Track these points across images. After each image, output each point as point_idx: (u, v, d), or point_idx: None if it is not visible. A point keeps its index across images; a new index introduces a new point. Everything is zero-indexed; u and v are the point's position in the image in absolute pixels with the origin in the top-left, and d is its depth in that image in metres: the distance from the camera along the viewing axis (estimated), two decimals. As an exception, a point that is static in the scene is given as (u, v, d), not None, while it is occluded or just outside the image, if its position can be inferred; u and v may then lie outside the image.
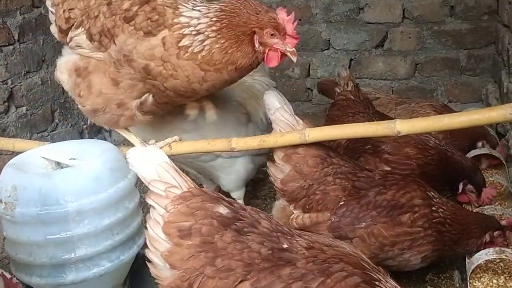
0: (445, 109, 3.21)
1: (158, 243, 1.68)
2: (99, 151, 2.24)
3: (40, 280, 2.11)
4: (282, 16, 2.07)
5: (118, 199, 2.14)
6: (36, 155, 2.31)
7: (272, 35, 2.08)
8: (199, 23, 2.09)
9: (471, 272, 2.34)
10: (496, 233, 2.38)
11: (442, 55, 4.04)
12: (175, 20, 2.11)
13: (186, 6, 2.14)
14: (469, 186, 2.76)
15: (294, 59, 2.14)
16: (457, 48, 4.00)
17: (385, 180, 2.35)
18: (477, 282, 2.34)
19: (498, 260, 2.42)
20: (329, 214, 2.27)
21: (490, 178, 2.83)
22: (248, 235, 1.64)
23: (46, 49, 3.96)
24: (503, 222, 2.43)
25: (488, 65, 3.98)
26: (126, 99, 2.27)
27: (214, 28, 2.08)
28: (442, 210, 2.31)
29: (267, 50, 2.11)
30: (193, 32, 2.08)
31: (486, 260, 2.35)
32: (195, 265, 1.62)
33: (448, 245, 2.34)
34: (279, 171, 2.38)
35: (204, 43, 2.08)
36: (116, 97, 2.27)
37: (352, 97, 3.08)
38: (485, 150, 3.08)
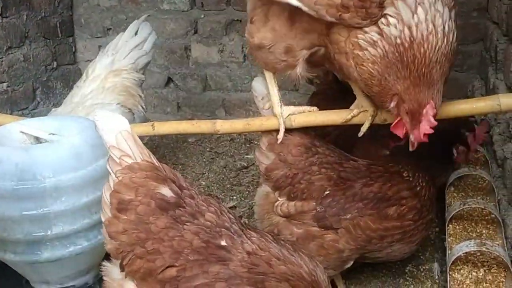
0: None
1: (106, 208, 1.68)
2: (80, 128, 2.19)
3: (14, 256, 2.07)
4: (429, 108, 1.89)
5: (98, 177, 2.09)
6: (14, 130, 2.25)
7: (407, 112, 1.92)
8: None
9: (451, 264, 2.34)
10: (460, 148, 2.56)
11: (431, 50, 4.03)
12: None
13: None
14: (460, 148, 2.78)
15: (413, 145, 1.96)
16: (445, 43, 3.99)
17: (370, 172, 2.33)
18: (456, 274, 2.34)
19: (478, 253, 2.42)
20: (314, 204, 2.25)
21: (473, 172, 2.83)
22: (185, 224, 1.61)
23: (29, 25, 3.87)
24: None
25: (476, 61, 3.98)
26: (296, 45, 2.06)
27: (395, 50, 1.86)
28: (424, 190, 2.33)
29: (397, 116, 1.96)
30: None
31: (466, 253, 2.35)
32: (127, 242, 1.62)
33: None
34: (264, 157, 2.37)
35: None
36: (287, 39, 2.07)
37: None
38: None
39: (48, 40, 4.07)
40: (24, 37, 3.83)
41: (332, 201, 2.24)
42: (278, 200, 2.33)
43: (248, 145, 4.06)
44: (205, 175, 3.70)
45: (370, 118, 2.19)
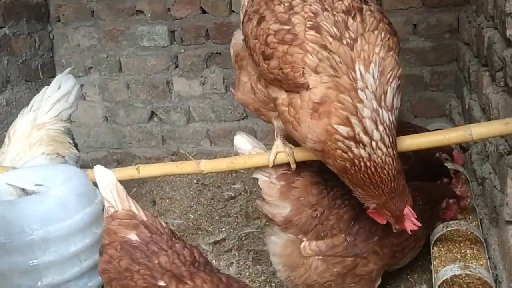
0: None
1: None
2: (65, 176, 2.22)
3: (4, 310, 2.07)
4: (407, 212, 2.04)
5: (85, 225, 2.12)
6: (0, 181, 2.27)
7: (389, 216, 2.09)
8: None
9: (438, 287, 2.38)
10: (451, 201, 2.68)
11: (407, 72, 4.13)
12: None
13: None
14: (451, 200, 2.78)
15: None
16: (420, 65, 4.11)
17: None
18: (443, 297, 2.38)
19: (463, 274, 2.47)
20: (344, 236, 2.28)
21: (459, 227, 2.76)
22: (140, 266, 1.80)
23: (10, 70, 3.90)
24: (457, 192, 2.76)
25: (451, 81, 4.10)
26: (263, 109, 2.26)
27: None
28: (420, 197, 2.47)
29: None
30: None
31: (451, 275, 2.40)
32: (104, 280, 1.87)
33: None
34: (277, 208, 2.30)
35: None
36: (255, 103, 2.26)
37: None
38: (449, 165, 3.16)
39: (30, 83, 4.11)
40: (6, 81, 3.86)
41: (359, 229, 2.29)
42: (304, 242, 2.30)
43: (234, 175, 4.10)
44: (193, 208, 3.73)
45: (290, 157, 2.25)
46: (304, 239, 2.29)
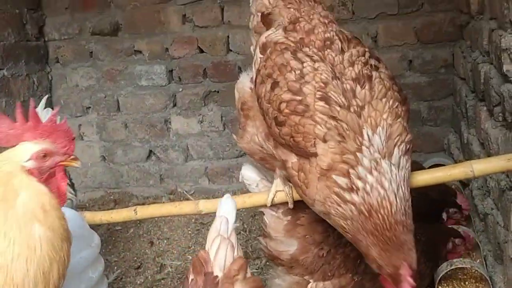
0: None
1: None
2: (62, 220, 2.18)
3: None
4: (404, 270, 1.85)
5: (81, 269, 2.07)
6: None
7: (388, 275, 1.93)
8: None
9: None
10: (457, 241, 2.62)
11: (404, 107, 4.15)
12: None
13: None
14: (451, 210, 2.98)
15: None
16: (417, 100, 4.12)
17: None
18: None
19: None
20: (351, 275, 2.22)
21: (464, 265, 2.70)
22: None
23: (9, 110, 3.89)
24: (462, 233, 2.71)
25: (448, 115, 4.11)
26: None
27: None
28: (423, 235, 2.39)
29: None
30: None
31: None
32: None
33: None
34: (283, 245, 2.26)
35: None
36: (261, 154, 2.28)
37: None
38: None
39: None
40: (3, 123, 3.85)
41: (366, 268, 2.17)
42: (310, 283, 2.24)
43: (233, 214, 4.05)
44: (191, 248, 3.67)
45: (289, 196, 2.22)
46: (311, 280, 2.23)
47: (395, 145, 1.89)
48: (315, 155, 1.90)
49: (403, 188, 1.86)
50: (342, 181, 1.85)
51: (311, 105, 1.91)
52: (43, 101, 2.94)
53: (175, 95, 4.39)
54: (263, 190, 2.32)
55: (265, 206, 2.26)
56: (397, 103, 1.95)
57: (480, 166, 2.01)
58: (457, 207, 3.05)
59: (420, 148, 4.17)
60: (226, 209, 1.95)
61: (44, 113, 2.88)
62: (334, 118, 1.88)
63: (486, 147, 2.72)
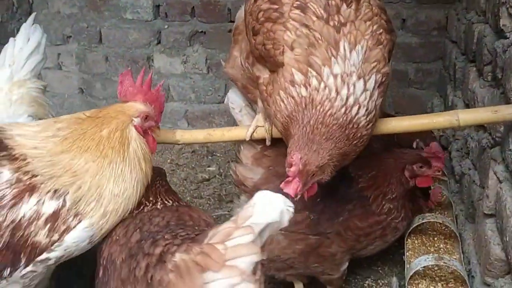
0: None
1: None
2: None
3: None
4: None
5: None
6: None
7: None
8: None
9: (409, 278, 2.34)
10: (415, 166, 2.41)
11: (392, 67, 4.09)
12: None
13: None
14: (416, 166, 2.47)
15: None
16: (406, 61, 4.07)
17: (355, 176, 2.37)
18: (415, 288, 2.34)
19: (436, 268, 2.44)
20: (307, 213, 2.24)
21: (431, 187, 2.83)
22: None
23: (-16, 29, 3.73)
24: (423, 154, 2.44)
25: (435, 79, 4.07)
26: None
27: None
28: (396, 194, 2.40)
29: None
30: None
31: (424, 267, 2.36)
32: None
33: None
34: (249, 172, 2.35)
35: None
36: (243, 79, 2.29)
37: None
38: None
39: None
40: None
41: (324, 207, 2.25)
42: None
43: (210, 157, 4.01)
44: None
45: (268, 132, 2.21)
46: None
47: (371, 71, 1.85)
48: (281, 65, 1.88)
49: (367, 107, 1.83)
50: (299, 77, 1.84)
51: (286, 13, 1.90)
52: (31, 18, 2.81)
53: (160, 32, 4.25)
54: (245, 116, 2.32)
55: (243, 140, 2.22)
56: (381, 30, 1.91)
57: (466, 116, 1.98)
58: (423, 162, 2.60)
59: (403, 110, 4.13)
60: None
61: (32, 30, 2.75)
62: (306, 26, 1.85)
63: (471, 107, 2.70)
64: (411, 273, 2.30)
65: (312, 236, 2.26)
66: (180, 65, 4.29)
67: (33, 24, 2.76)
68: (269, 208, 1.35)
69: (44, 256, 1.72)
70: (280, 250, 2.26)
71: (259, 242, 1.35)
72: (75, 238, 1.76)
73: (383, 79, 1.90)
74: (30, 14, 4.20)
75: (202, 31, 4.20)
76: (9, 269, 1.70)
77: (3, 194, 1.68)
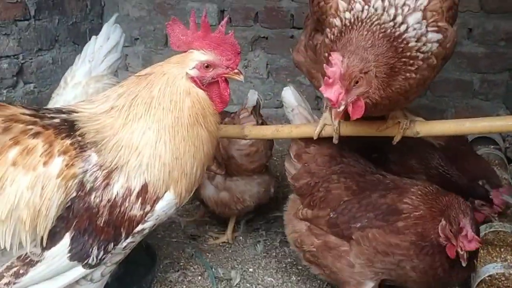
0: None
1: None
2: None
3: None
4: None
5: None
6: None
7: None
8: None
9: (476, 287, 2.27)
10: (477, 202, 2.42)
11: (456, 77, 4.03)
12: None
13: None
14: (477, 201, 2.62)
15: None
16: (471, 71, 3.99)
17: (392, 184, 2.23)
18: (480, 298, 2.27)
19: (503, 278, 2.36)
20: (329, 210, 2.24)
21: (503, 229, 2.59)
22: None
23: (60, 29, 3.93)
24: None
25: (501, 91, 3.97)
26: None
27: None
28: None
29: None
30: None
31: (490, 276, 2.29)
32: None
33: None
34: (292, 167, 2.43)
35: None
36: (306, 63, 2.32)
37: None
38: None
39: (77, 45, 4.13)
40: (54, 40, 3.88)
41: (345, 209, 2.21)
42: (300, 207, 2.35)
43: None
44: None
45: (401, 130, 2.17)
46: (300, 203, 2.36)
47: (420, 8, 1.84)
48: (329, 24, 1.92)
49: (411, 34, 1.81)
50: (342, 5, 1.88)
51: None
52: (113, 18, 2.96)
53: (224, 37, 4.34)
54: (296, 116, 2.37)
55: (311, 138, 2.24)
56: None
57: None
58: (487, 200, 2.65)
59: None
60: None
61: (112, 29, 2.90)
62: None
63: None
64: (478, 281, 2.24)
65: (332, 236, 2.22)
66: (241, 69, 4.35)
67: (114, 24, 2.90)
68: None
69: (140, 227, 1.78)
70: (303, 240, 2.30)
71: None
72: (164, 207, 1.80)
73: (437, 29, 1.86)
74: (101, 16, 4.44)
75: (264, 37, 4.28)
76: (112, 244, 1.77)
77: (96, 177, 1.73)
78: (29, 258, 1.77)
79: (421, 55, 1.84)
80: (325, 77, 1.72)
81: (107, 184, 1.73)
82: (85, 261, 1.77)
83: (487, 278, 2.30)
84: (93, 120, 1.79)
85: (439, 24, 1.86)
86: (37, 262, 1.76)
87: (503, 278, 2.37)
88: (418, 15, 1.83)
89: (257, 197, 2.96)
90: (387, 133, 2.18)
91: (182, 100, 1.76)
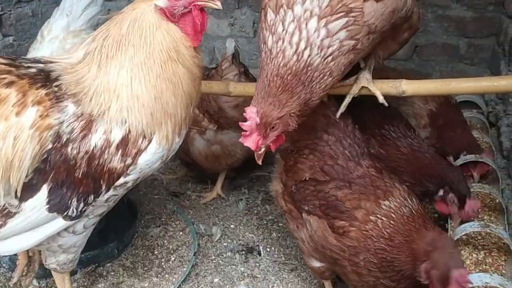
0: None
1: None
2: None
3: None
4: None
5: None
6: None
7: None
8: None
9: (452, 245, 2.32)
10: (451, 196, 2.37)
11: (443, 41, 4.00)
12: None
13: None
14: (451, 195, 2.41)
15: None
16: (458, 35, 3.96)
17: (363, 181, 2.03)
18: (456, 255, 2.32)
19: (479, 236, 2.42)
20: (293, 183, 2.20)
21: (482, 190, 2.56)
22: None
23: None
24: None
25: (487, 56, 3.96)
26: None
27: None
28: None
29: None
30: None
31: (467, 235, 2.34)
32: None
33: None
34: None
35: None
36: None
37: None
38: (473, 158, 2.74)
39: (58, -2, 4.01)
40: (34, -8, 3.76)
41: (302, 187, 2.14)
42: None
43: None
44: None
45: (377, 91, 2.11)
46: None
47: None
48: None
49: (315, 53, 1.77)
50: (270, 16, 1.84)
51: None
52: None
53: (210, -7, 4.24)
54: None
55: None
56: None
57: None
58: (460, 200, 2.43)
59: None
60: None
61: None
62: None
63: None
64: (455, 239, 2.28)
65: (293, 206, 2.22)
66: (227, 27, 4.29)
67: None
68: None
69: (122, 180, 1.76)
70: (278, 199, 2.31)
71: None
72: (148, 160, 1.77)
73: (344, 14, 1.77)
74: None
75: (251, -6, 4.19)
76: (92, 196, 1.75)
77: (72, 128, 1.69)
78: (7, 210, 1.75)
79: (330, 57, 1.79)
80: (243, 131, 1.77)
81: (85, 136, 1.69)
82: (65, 213, 1.76)
83: (463, 236, 2.35)
84: (70, 71, 1.74)
85: (350, 5, 1.77)
86: (15, 213, 1.75)
87: (479, 237, 2.43)
88: (314, 21, 1.77)
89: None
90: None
91: (151, 34, 1.68)
